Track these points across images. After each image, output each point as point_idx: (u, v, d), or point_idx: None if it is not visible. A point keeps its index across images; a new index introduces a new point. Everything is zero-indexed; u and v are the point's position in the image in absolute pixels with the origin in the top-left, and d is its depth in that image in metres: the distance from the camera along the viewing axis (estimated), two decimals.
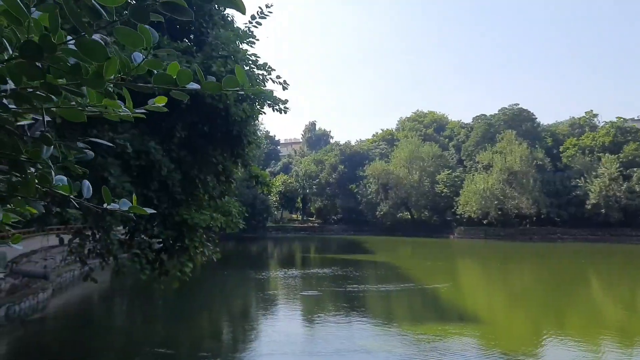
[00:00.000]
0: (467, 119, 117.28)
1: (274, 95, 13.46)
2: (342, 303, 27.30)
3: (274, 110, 11.70)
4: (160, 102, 1.75)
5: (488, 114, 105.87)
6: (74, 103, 1.65)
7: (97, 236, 11.17)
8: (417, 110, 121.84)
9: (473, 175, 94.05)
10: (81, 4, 1.23)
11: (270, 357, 16.91)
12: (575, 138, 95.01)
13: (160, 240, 10.88)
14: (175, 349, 17.76)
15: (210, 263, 12.99)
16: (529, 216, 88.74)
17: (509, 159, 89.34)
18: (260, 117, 13.87)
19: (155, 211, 1.98)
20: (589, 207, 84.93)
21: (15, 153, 1.68)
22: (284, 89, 13.65)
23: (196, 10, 15.05)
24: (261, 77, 13.16)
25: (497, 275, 44.24)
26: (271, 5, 12.53)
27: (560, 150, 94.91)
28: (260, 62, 12.96)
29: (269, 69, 13.38)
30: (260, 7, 12.52)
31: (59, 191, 2.03)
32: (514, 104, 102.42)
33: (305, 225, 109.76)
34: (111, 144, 2.13)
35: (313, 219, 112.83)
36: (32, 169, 1.84)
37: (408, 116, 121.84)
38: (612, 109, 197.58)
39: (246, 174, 13.89)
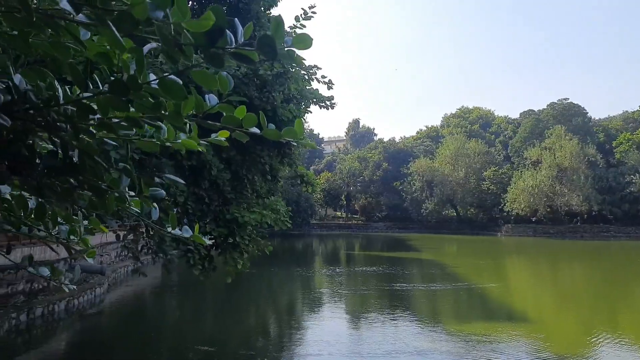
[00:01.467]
0: (514, 115, 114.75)
1: (320, 93, 13.65)
2: (389, 302, 27.28)
3: (320, 108, 11.88)
4: (222, 135, 1.90)
5: (536, 109, 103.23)
6: (152, 137, 1.83)
7: (151, 232, 11.59)
8: (462, 107, 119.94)
9: (521, 171, 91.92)
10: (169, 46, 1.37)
11: (318, 358, 17.10)
12: (629, 133, 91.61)
13: (212, 237, 11.23)
14: (223, 346, 18.19)
15: (257, 260, 13.29)
16: (579, 213, 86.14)
17: (559, 155, 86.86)
18: (305, 115, 14.07)
19: (211, 242, 2.15)
20: None
21: (99, 180, 1.88)
22: (329, 88, 13.81)
23: (243, 13, 15.38)
24: (307, 77, 13.36)
25: (548, 274, 43.17)
26: (314, 6, 12.62)
27: (613, 145, 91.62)
28: (307, 62, 13.14)
29: (315, 69, 13.56)
30: (303, 9, 12.66)
31: (133, 209, 2.24)
32: (564, 99, 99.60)
33: (349, 222, 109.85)
34: (183, 182, 2.32)
35: (357, 216, 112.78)
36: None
37: (453, 112, 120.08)
38: None
39: (292, 173, 14.15)
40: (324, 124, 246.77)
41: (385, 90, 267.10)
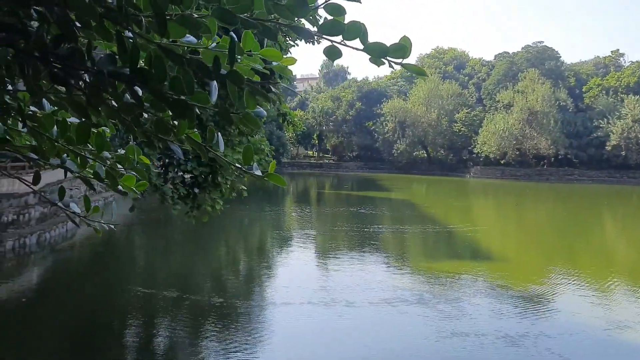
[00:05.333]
0: (489, 57, 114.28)
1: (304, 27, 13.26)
2: (358, 242, 27.89)
3: (306, 42, 11.61)
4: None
5: (511, 52, 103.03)
6: None
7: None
8: (437, 47, 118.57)
9: (493, 114, 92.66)
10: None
11: (287, 290, 17.53)
12: (599, 78, 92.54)
13: (193, 175, 11.11)
14: (192, 289, 18.47)
15: (228, 198, 13.29)
16: (547, 157, 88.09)
17: (531, 98, 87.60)
18: (290, 49, 13.68)
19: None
20: (609, 148, 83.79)
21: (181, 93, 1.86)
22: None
23: None
24: None
25: (514, 215, 44.52)
26: None
27: (584, 90, 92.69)
28: None
29: None
30: None
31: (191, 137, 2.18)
32: (538, 42, 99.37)
33: (321, 162, 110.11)
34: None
35: (329, 155, 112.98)
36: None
37: (428, 53, 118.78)
38: None
39: (274, 111, 13.91)
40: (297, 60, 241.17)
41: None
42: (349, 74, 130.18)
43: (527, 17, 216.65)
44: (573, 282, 19.53)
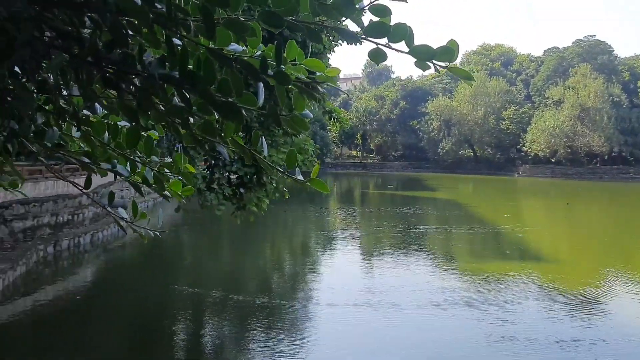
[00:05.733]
0: (538, 53, 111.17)
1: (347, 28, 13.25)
2: (400, 242, 27.63)
3: (348, 44, 11.58)
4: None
5: (561, 47, 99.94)
6: None
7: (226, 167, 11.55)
8: (484, 44, 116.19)
9: (542, 111, 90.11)
10: None
11: (332, 291, 17.51)
12: None
13: (238, 176, 11.23)
14: (239, 288, 18.70)
15: (275, 199, 13.38)
16: (600, 154, 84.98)
17: (582, 94, 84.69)
18: (332, 49, 13.64)
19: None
20: None
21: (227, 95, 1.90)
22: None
23: None
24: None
25: (565, 215, 43.13)
26: None
27: (639, 85, 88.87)
28: None
29: None
30: None
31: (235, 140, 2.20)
32: (590, 36, 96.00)
33: (365, 161, 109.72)
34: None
35: (372, 155, 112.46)
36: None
37: (474, 49, 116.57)
38: None
39: (319, 110, 13.91)
40: (339, 61, 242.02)
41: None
42: (393, 72, 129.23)
43: (577, 10, 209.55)
44: (630, 285, 18.73)
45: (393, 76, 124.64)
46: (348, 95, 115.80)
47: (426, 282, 18.55)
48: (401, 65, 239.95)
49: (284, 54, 1.91)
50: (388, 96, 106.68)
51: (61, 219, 22.79)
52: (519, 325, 13.94)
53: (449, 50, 1.76)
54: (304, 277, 20.31)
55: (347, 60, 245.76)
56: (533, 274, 20.03)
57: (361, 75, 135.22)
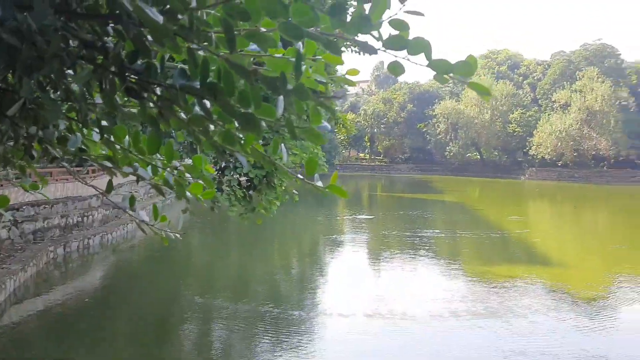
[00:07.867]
0: (544, 57, 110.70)
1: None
2: (409, 246, 27.63)
3: (359, 53, 11.66)
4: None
5: (568, 51, 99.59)
6: None
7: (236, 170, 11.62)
8: (492, 49, 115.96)
9: (549, 114, 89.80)
10: None
11: (341, 300, 17.53)
12: None
13: (248, 178, 11.33)
14: (245, 288, 18.74)
15: (284, 202, 13.37)
16: (607, 158, 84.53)
17: (589, 97, 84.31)
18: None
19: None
20: None
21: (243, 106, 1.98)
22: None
23: None
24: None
25: (574, 218, 42.97)
26: None
27: None
28: None
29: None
30: None
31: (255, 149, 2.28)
32: (597, 39, 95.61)
33: (372, 164, 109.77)
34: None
35: (380, 157, 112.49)
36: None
37: (482, 53, 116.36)
38: None
39: (327, 114, 13.94)
40: (347, 64, 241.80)
41: (411, 32, 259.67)
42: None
43: (584, 14, 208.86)
44: (634, 285, 18.66)
45: (400, 79, 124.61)
46: (355, 98, 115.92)
47: (436, 290, 18.47)
48: (409, 68, 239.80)
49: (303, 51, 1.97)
50: (395, 99, 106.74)
51: (71, 220, 22.99)
52: (540, 338, 13.61)
53: (467, 65, 1.83)
54: (313, 283, 20.28)
55: (355, 63, 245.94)
56: (553, 281, 19.71)
57: (369, 79, 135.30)
